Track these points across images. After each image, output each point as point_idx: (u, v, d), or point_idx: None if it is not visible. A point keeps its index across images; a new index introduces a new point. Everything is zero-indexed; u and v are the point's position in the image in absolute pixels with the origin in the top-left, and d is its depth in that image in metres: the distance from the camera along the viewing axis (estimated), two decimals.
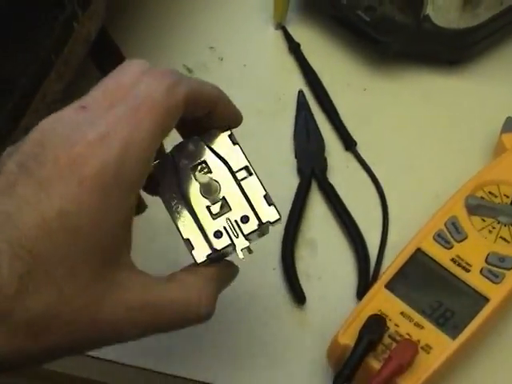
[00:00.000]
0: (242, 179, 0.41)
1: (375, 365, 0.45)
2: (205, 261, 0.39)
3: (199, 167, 0.41)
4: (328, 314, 0.52)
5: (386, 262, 0.54)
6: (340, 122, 0.60)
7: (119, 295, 0.35)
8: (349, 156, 0.59)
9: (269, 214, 0.40)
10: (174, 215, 0.40)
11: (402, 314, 0.47)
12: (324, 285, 0.54)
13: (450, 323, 0.47)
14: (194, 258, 0.39)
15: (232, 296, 0.53)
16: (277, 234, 0.55)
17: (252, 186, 0.41)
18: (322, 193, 0.57)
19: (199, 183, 0.40)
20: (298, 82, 0.63)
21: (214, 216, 0.40)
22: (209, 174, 0.40)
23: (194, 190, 0.40)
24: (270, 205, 0.40)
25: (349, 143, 0.60)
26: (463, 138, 0.60)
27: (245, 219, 0.40)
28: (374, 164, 0.59)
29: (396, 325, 0.47)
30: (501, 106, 0.60)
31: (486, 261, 0.49)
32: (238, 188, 0.41)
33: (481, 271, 0.49)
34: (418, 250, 0.50)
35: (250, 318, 0.53)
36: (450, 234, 0.50)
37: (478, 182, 0.53)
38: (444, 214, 0.51)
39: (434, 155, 0.59)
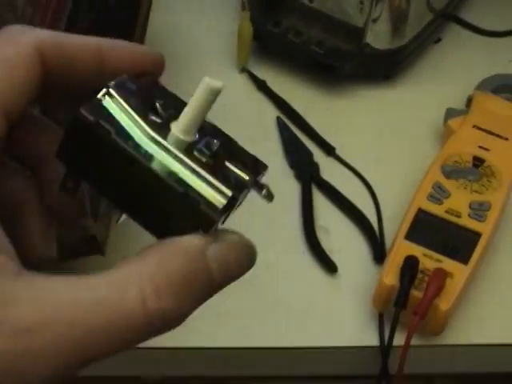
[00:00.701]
0: None
1: (417, 294, 0.59)
2: (224, 214, 0.30)
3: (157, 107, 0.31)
4: (355, 276, 0.66)
5: (386, 232, 0.68)
6: (317, 134, 0.75)
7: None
8: (331, 160, 0.74)
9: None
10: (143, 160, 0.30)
11: (424, 255, 0.61)
12: (345, 256, 0.67)
13: (459, 255, 0.61)
14: (206, 214, 0.30)
15: (274, 281, 0.65)
16: (295, 228, 0.68)
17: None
18: (321, 189, 0.71)
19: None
20: (271, 111, 0.77)
21: (207, 156, 0.31)
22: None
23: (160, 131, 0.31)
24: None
25: (329, 150, 0.74)
26: (414, 131, 0.75)
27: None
28: (352, 162, 0.73)
29: (422, 263, 0.60)
30: (435, 102, 0.76)
31: (470, 207, 0.64)
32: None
33: (469, 215, 0.64)
34: (419, 209, 0.64)
35: (295, 293, 0.65)
36: (438, 193, 0.65)
37: (445, 155, 0.68)
38: (429, 181, 0.66)
39: (395, 148, 0.75)
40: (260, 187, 0.32)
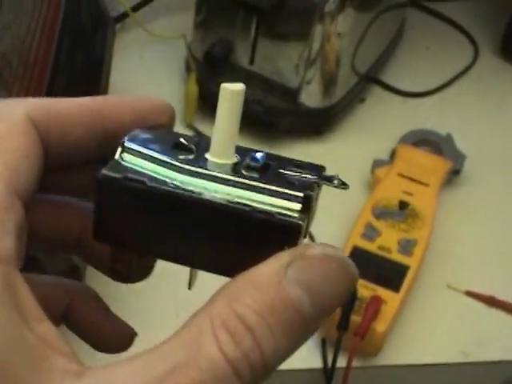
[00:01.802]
0: None
1: (357, 319, 0.66)
2: (304, 219, 0.27)
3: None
4: None
5: None
6: None
7: None
8: None
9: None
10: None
11: (360, 285, 0.69)
12: None
13: (391, 285, 0.70)
14: (285, 224, 0.27)
15: None
16: None
17: None
18: None
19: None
20: None
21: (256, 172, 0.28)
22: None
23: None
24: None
25: None
26: (344, 180, 0.84)
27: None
28: None
29: (359, 292, 0.68)
30: (362, 154, 0.85)
31: (399, 244, 0.73)
32: None
33: (398, 251, 0.72)
34: (354, 246, 0.73)
35: None
36: (370, 232, 0.74)
37: (374, 199, 0.77)
38: (361, 222, 0.75)
39: (328, 194, 0.82)
40: (329, 179, 0.30)
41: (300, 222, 0.27)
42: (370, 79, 0.93)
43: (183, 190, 0.27)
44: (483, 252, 0.79)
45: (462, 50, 1.00)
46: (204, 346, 0.25)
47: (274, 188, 0.27)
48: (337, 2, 0.79)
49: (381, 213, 0.76)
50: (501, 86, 0.97)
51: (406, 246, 0.73)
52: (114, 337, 0.33)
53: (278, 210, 0.27)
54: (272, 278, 0.26)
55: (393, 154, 0.83)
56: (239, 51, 0.85)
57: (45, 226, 0.31)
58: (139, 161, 0.28)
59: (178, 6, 0.95)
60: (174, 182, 0.27)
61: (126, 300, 0.66)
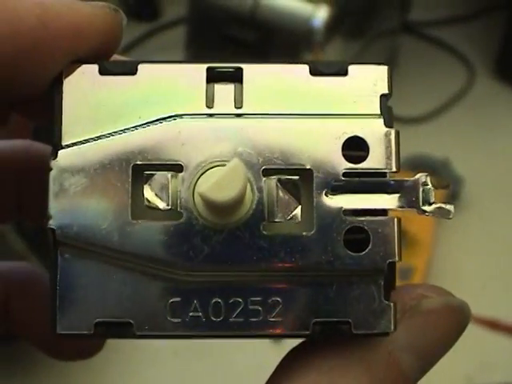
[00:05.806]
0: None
1: None
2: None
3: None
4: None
5: None
6: None
7: None
8: None
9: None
10: None
11: None
12: None
13: None
14: None
15: (228, 352, 0.71)
16: None
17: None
18: None
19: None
20: None
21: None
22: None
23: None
24: None
25: None
26: None
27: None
28: None
29: None
30: None
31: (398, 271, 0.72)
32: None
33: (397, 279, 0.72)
34: None
35: (245, 360, 0.71)
36: None
37: None
38: None
39: None
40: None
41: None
42: None
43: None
44: (485, 275, 0.78)
45: (457, 74, 0.99)
46: None
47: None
48: (325, 32, 0.79)
49: None
50: (498, 108, 0.96)
51: (405, 274, 0.72)
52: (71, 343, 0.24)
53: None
54: (379, 347, 0.20)
55: None
56: None
57: None
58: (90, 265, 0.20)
59: (167, 44, 0.95)
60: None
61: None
